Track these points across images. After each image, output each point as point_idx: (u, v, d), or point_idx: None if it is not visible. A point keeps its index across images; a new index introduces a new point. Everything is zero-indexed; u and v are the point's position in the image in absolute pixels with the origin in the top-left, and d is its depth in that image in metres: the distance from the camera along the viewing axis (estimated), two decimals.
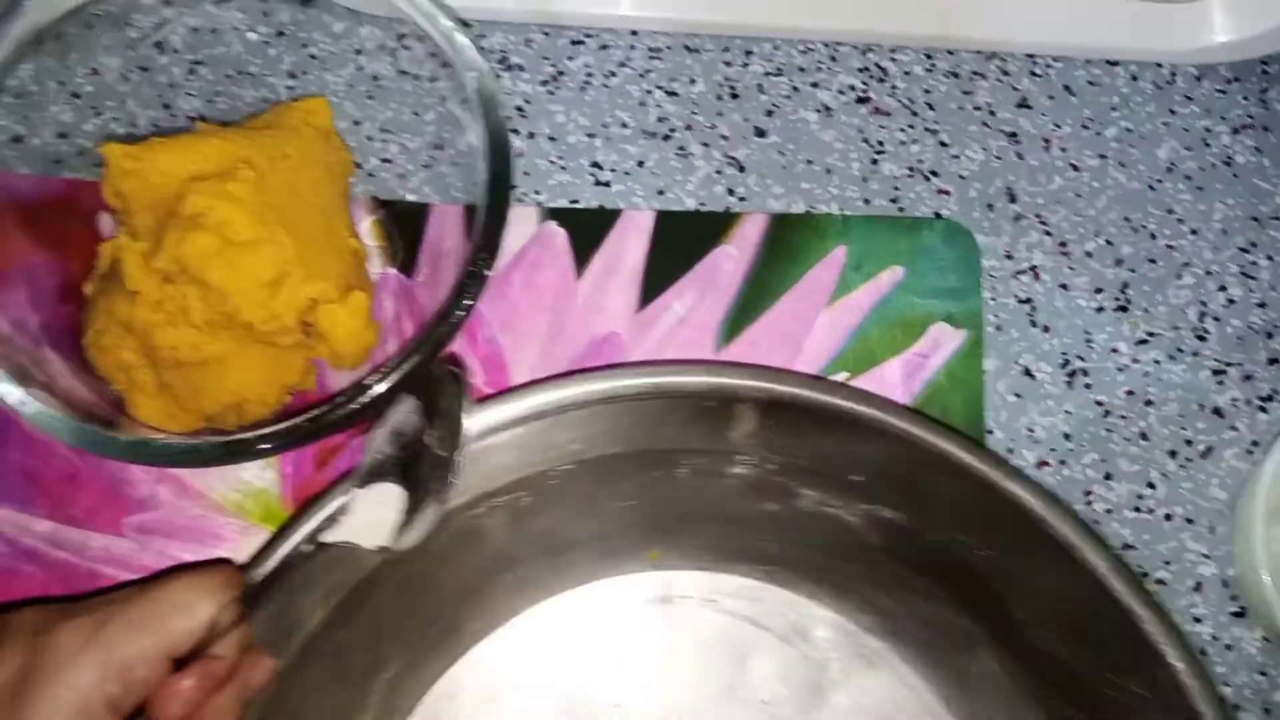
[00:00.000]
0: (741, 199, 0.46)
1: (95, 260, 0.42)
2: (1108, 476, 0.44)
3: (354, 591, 0.36)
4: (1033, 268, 0.46)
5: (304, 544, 0.33)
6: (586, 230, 0.45)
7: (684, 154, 0.47)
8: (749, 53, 0.48)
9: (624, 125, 0.47)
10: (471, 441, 0.35)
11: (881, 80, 0.48)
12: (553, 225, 0.46)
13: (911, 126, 0.47)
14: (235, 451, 0.34)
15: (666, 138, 0.47)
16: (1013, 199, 0.47)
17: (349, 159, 0.42)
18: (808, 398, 0.37)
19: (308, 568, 0.33)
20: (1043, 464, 0.44)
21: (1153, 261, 0.47)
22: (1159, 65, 0.49)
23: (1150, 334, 0.46)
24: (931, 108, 0.48)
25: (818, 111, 0.47)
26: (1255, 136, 0.49)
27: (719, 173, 0.47)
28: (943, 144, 0.47)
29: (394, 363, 0.34)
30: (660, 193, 0.46)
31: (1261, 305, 0.47)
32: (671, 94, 0.47)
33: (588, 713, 0.41)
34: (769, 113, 0.47)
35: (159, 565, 0.41)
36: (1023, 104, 0.48)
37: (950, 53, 0.49)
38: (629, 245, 0.45)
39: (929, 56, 0.48)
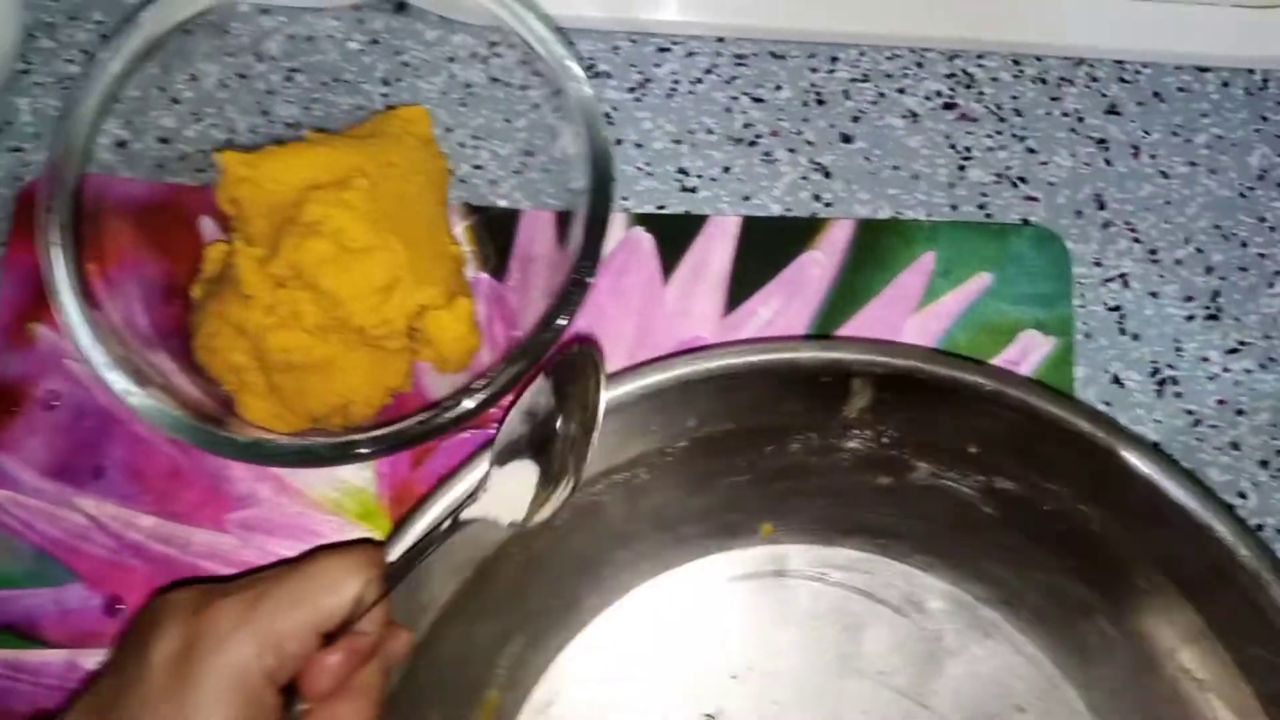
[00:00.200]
0: (828, 205, 0.46)
1: (200, 264, 0.43)
2: None
3: (482, 568, 0.37)
4: (1122, 275, 0.46)
5: (443, 520, 0.34)
6: (673, 235, 0.46)
7: (770, 160, 0.47)
8: (835, 59, 0.48)
9: (710, 131, 0.48)
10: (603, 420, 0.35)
11: (969, 86, 0.48)
12: (639, 230, 0.46)
13: (999, 133, 0.47)
14: (347, 453, 0.35)
15: (752, 144, 0.47)
16: (1101, 206, 0.47)
17: (446, 166, 0.43)
18: (925, 370, 0.37)
19: (444, 545, 0.34)
20: None
21: (1244, 269, 0.46)
22: (1250, 71, 0.49)
23: (1241, 343, 0.46)
24: (1019, 114, 0.48)
25: (904, 118, 0.48)
26: None
27: (805, 178, 0.47)
28: (1030, 150, 0.47)
29: (498, 370, 0.35)
30: (746, 198, 0.47)
31: None
32: (758, 100, 0.48)
33: (704, 686, 0.42)
34: (855, 119, 0.48)
35: (260, 561, 0.42)
36: (1112, 110, 0.48)
37: (1038, 59, 0.48)
38: (715, 250, 0.46)
39: (1016, 62, 0.48)
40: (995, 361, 0.44)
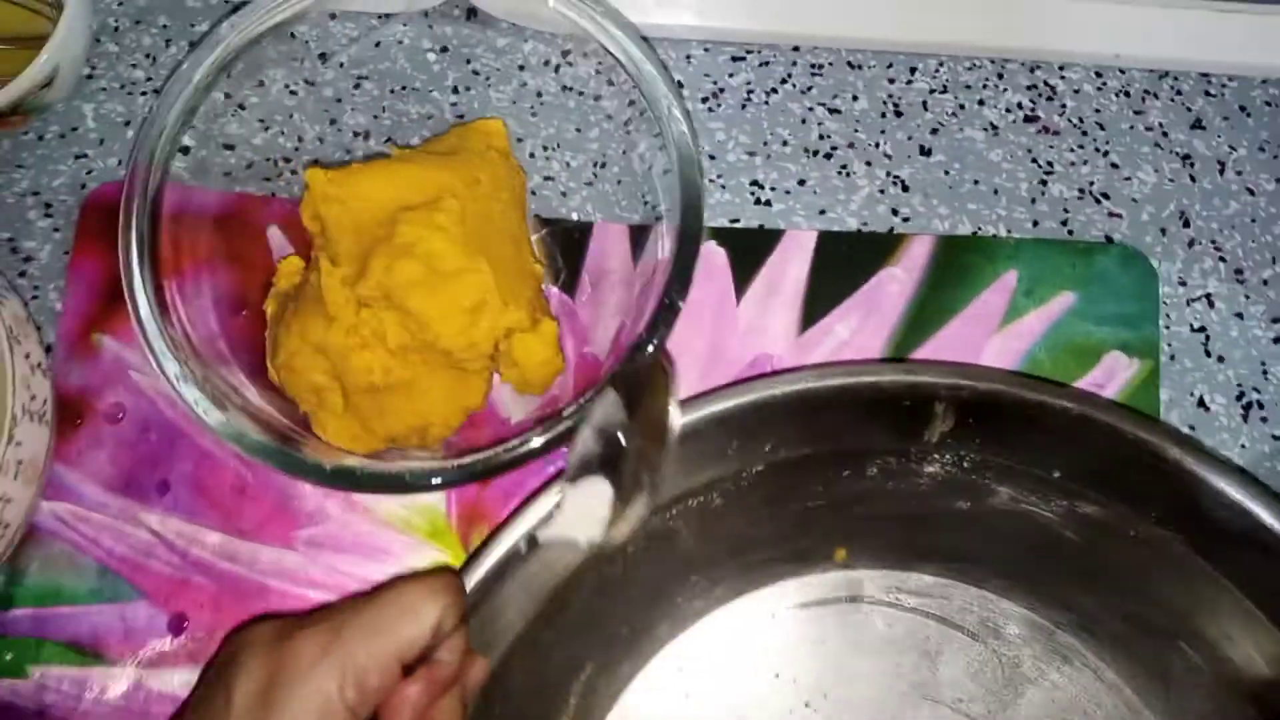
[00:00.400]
0: (906, 219, 0.45)
1: (271, 277, 0.43)
2: None
3: (555, 594, 0.36)
4: (1207, 295, 0.45)
5: (520, 542, 0.34)
6: (747, 250, 0.45)
7: (846, 173, 0.46)
8: (913, 69, 0.47)
9: (785, 143, 0.47)
10: (677, 436, 0.34)
11: (1050, 99, 0.47)
12: (712, 245, 0.45)
13: (1081, 147, 0.46)
14: (448, 479, 0.34)
15: (828, 156, 0.46)
16: (1186, 223, 0.45)
17: (524, 180, 0.42)
18: (1011, 394, 0.36)
19: (520, 571, 0.33)
20: None
21: None
22: None
23: None
24: (1102, 127, 0.46)
25: (984, 130, 0.46)
26: None
27: (882, 192, 0.46)
28: (1114, 165, 0.46)
29: (588, 401, 0.34)
30: (822, 212, 0.46)
31: None
32: (834, 111, 0.47)
33: (777, 713, 0.41)
34: (934, 131, 0.46)
35: (328, 580, 0.41)
36: (1197, 125, 0.47)
37: (1121, 71, 0.47)
38: (791, 266, 0.45)
39: (1099, 74, 0.47)
40: (1079, 384, 0.43)
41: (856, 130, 0.47)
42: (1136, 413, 0.38)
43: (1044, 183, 0.46)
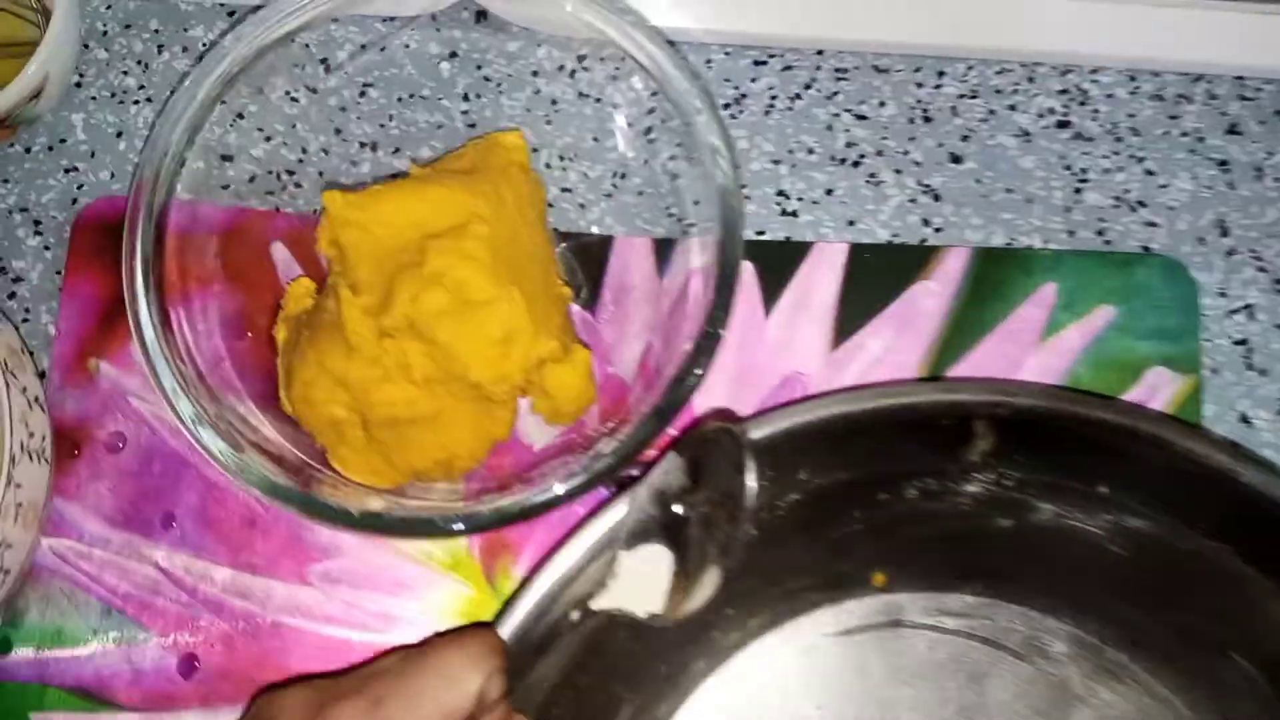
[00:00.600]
0: (938, 230, 0.44)
1: (278, 298, 0.40)
2: None
3: (591, 640, 0.35)
4: (1247, 306, 0.43)
5: (573, 611, 0.32)
6: (774, 263, 0.43)
7: (875, 181, 0.44)
8: (941, 73, 0.45)
9: (810, 151, 0.45)
10: (752, 507, 0.33)
11: (1083, 103, 0.45)
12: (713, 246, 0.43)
13: (1116, 153, 0.45)
14: (481, 523, 0.32)
15: (856, 164, 0.45)
16: (1225, 232, 0.44)
17: (545, 195, 0.40)
18: (1053, 410, 0.35)
19: (568, 636, 0.32)
20: None
21: None
22: None
23: None
24: (1136, 133, 0.45)
25: (1016, 136, 0.45)
26: None
27: (913, 201, 0.44)
28: (1149, 172, 0.45)
29: (628, 438, 0.32)
30: (851, 223, 0.44)
31: None
32: (860, 118, 0.45)
33: None
34: (964, 137, 0.45)
35: (345, 616, 0.40)
36: (1233, 130, 0.45)
37: (1154, 74, 0.46)
38: (821, 280, 0.43)
39: (1132, 78, 0.46)
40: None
41: (884, 137, 0.45)
42: (1184, 424, 0.37)
43: (1078, 191, 0.44)
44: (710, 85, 0.45)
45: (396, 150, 0.44)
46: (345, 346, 0.34)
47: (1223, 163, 0.45)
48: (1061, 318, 0.42)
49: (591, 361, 0.36)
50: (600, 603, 0.31)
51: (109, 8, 0.45)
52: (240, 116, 0.42)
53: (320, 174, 0.43)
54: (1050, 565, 0.39)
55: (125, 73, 0.45)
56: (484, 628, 0.34)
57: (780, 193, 0.44)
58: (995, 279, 0.43)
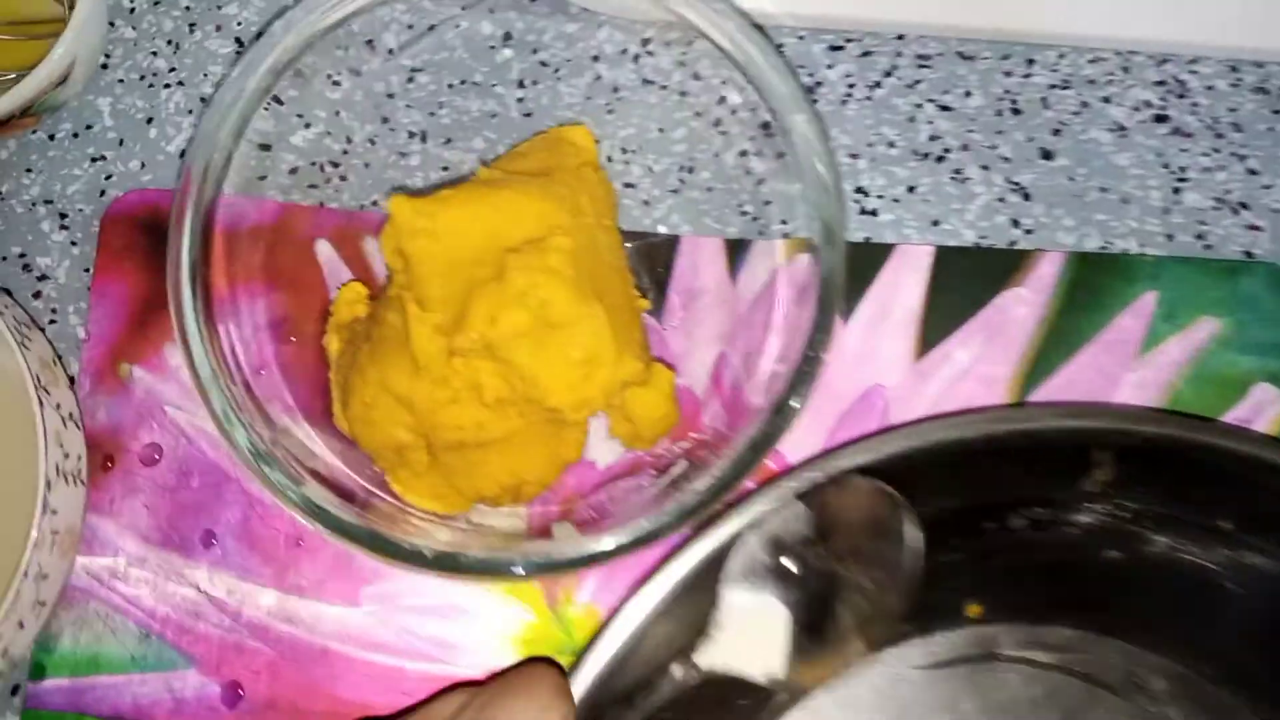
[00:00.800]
0: (1028, 231, 0.41)
1: (324, 300, 0.38)
2: None
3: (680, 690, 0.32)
4: None
5: (674, 664, 0.29)
6: (854, 267, 0.40)
7: (961, 178, 0.41)
8: (1031, 61, 0.42)
9: (891, 144, 0.42)
10: (918, 580, 0.30)
11: (1181, 96, 0.42)
12: (801, 258, 0.40)
13: (1216, 150, 0.42)
14: (572, 566, 0.29)
15: (940, 159, 0.42)
16: None
17: (616, 196, 0.37)
18: (1184, 440, 0.33)
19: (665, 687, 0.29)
20: None
21: None
22: None
23: None
24: (1238, 129, 0.42)
25: (1110, 131, 0.42)
26: None
27: (1001, 200, 0.41)
28: (1252, 172, 0.42)
29: (722, 473, 0.30)
30: (935, 223, 0.41)
31: None
32: (945, 109, 0.42)
33: None
34: (1056, 131, 0.42)
35: (398, 642, 0.37)
36: None
37: (1258, 65, 0.43)
38: (905, 285, 0.40)
39: (1234, 69, 0.43)
40: (1224, 419, 0.39)
41: (970, 130, 0.42)
42: None
43: (1177, 191, 0.41)
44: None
45: (448, 141, 0.41)
46: (411, 365, 0.31)
47: None
48: (1162, 329, 0.40)
49: (674, 383, 0.33)
50: (707, 657, 0.28)
51: None
52: (278, 101, 0.39)
53: (367, 165, 0.40)
54: (1156, 599, 0.37)
55: (155, 53, 0.42)
56: (550, 667, 0.31)
57: (859, 189, 0.41)
58: (1092, 286, 0.40)
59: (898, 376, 0.40)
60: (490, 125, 0.41)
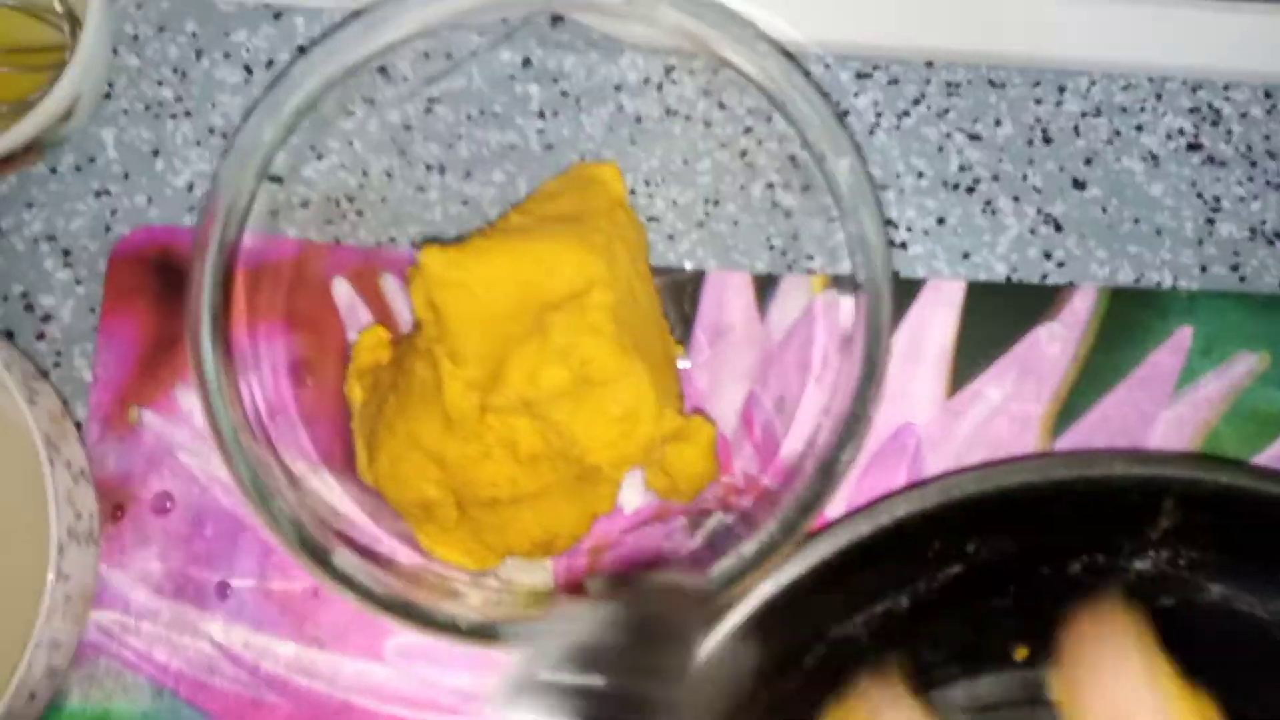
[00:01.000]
0: (1060, 264, 0.40)
1: (342, 341, 0.37)
2: None
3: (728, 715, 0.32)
4: None
5: None
6: None
7: (991, 210, 0.41)
8: (1062, 88, 0.41)
9: (920, 175, 0.41)
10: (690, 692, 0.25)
11: (1215, 123, 0.41)
12: (833, 295, 0.39)
13: (1251, 179, 0.41)
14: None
15: (970, 190, 0.41)
16: None
17: (646, 236, 0.36)
18: (1254, 490, 0.33)
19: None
20: None
21: None
22: None
23: None
24: (1273, 157, 0.41)
25: (1144, 160, 0.41)
26: None
27: (1033, 232, 0.40)
28: None
29: (767, 539, 0.28)
30: (965, 256, 0.40)
31: None
32: (974, 137, 0.41)
33: None
34: (1088, 161, 0.41)
35: (421, 695, 0.36)
36: None
37: None
38: (936, 321, 0.39)
39: (1268, 95, 0.42)
40: (1261, 458, 0.38)
41: (1001, 160, 0.41)
42: None
43: (1211, 221, 0.41)
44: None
45: (467, 174, 0.39)
46: (442, 421, 0.30)
47: None
48: (1198, 364, 0.39)
49: (715, 438, 0.32)
50: None
51: (139, 7, 0.41)
52: (290, 132, 0.38)
53: (383, 200, 0.39)
54: (1205, 646, 0.36)
55: (160, 82, 0.40)
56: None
57: (888, 222, 0.40)
58: (1126, 321, 0.39)
59: (929, 415, 0.39)
60: (510, 157, 0.40)
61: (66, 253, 0.39)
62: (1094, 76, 0.42)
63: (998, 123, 0.41)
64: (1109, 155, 0.41)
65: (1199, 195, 0.41)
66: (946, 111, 0.41)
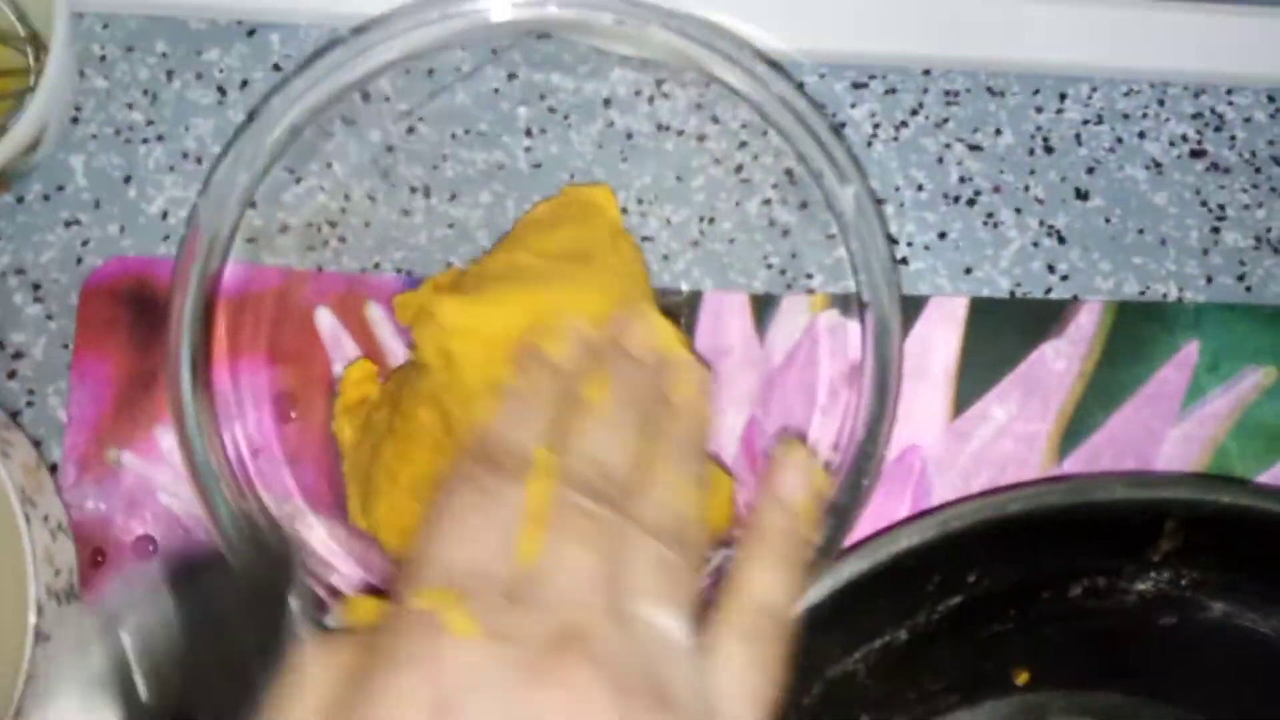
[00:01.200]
0: (1064, 278, 0.39)
1: (328, 374, 0.35)
2: None
3: None
4: None
5: None
6: None
7: (993, 222, 0.40)
8: (1063, 95, 0.40)
9: (919, 188, 0.40)
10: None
11: (1218, 129, 0.40)
12: (836, 316, 0.38)
13: (1255, 186, 0.40)
14: None
15: (971, 202, 0.40)
16: None
17: (645, 262, 0.35)
18: (1258, 510, 0.32)
19: None
20: None
21: None
22: None
23: None
24: (1277, 162, 0.40)
25: (1147, 168, 0.40)
26: None
27: (1035, 245, 0.39)
28: None
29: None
30: (968, 271, 0.39)
31: None
32: (974, 148, 0.40)
33: None
34: (1090, 170, 0.40)
35: None
36: None
37: None
38: (939, 339, 0.38)
39: (1271, 99, 0.41)
40: (1268, 474, 0.38)
41: (1002, 171, 0.40)
42: None
43: (1216, 230, 0.40)
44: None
45: (453, 196, 0.38)
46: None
47: None
48: (1205, 380, 0.38)
49: (734, 490, 0.31)
50: None
51: (106, 27, 0.39)
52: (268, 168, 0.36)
53: (366, 225, 0.38)
54: (1209, 665, 0.36)
55: (130, 105, 0.38)
56: None
57: (888, 237, 0.39)
58: (1132, 336, 0.38)
59: (934, 436, 0.38)
60: (498, 178, 0.38)
61: (36, 286, 0.37)
62: (1095, 83, 0.41)
63: (998, 132, 0.40)
64: (1112, 164, 0.40)
65: (1203, 203, 0.40)
66: (945, 121, 0.40)
